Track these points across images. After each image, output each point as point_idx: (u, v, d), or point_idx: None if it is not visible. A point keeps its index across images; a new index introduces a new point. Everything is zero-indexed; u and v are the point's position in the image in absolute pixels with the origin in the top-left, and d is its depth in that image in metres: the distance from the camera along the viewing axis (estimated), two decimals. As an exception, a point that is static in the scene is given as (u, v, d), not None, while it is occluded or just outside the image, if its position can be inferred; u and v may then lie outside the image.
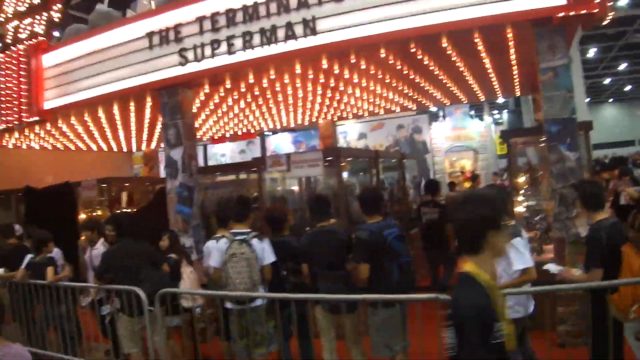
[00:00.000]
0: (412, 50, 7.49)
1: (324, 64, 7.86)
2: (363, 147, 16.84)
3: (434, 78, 9.64)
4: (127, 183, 12.16)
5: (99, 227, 7.27)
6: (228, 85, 8.81)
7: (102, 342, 6.97)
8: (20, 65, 9.87)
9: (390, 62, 7.96)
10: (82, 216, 11.11)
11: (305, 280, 5.58)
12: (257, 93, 9.73)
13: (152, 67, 8.47)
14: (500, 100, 13.81)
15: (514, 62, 8.57)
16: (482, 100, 13.22)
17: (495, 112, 18.14)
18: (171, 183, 8.57)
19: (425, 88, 10.55)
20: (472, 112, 17.17)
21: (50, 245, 7.07)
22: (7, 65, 10.09)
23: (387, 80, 9.55)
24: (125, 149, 15.19)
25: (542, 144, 7.70)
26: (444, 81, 10.02)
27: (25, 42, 9.94)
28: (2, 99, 10.21)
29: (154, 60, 8.45)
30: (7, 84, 10.07)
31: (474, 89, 11.21)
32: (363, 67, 8.24)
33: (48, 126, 10.85)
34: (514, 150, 8.72)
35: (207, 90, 9.07)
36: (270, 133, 17.98)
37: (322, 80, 9.18)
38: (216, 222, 6.33)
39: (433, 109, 15.03)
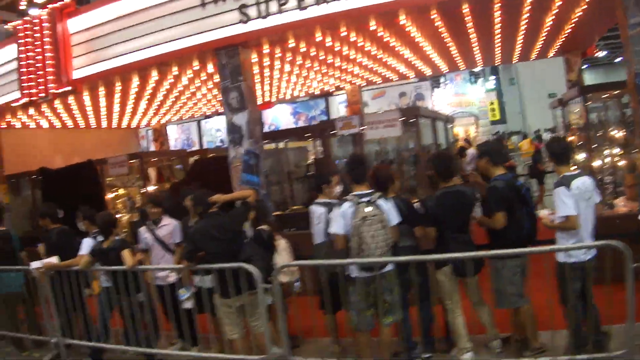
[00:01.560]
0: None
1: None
2: None
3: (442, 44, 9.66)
4: (155, 158, 11.32)
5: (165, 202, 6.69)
6: (292, 44, 8.30)
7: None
8: (44, 32, 8.97)
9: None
10: (110, 195, 10.37)
11: (419, 243, 5.37)
12: (312, 54, 9.29)
13: (206, 26, 7.92)
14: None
15: (573, 21, 8.59)
16: (479, 66, 13.36)
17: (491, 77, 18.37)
18: (235, 151, 8.02)
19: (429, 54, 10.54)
20: (472, 78, 17.23)
21: (119, 228, 6.36)
22: (26, 32, 9.15)
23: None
24: (133, 125, 14.44)
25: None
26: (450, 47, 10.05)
27: (47, 6, 9.01)
28: (22, 70, 9.25)
29: (208, 19, 7.90)
30: (28, 53, 9.13)
31: (476, 55, 11.29)
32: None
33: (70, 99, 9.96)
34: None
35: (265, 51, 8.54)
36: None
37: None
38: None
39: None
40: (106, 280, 6.24)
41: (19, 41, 9.25)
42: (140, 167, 10.08)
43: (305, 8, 7.37)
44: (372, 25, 7.72)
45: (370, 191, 4.95)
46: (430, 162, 5.58)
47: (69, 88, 8.87)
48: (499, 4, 7.61)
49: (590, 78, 24.81)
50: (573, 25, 9.04)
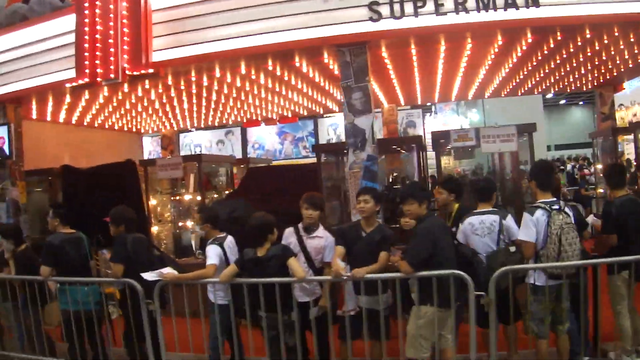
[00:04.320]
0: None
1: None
2: None
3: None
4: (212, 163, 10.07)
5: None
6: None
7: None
8: (122, 4, 7.72)
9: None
10: (153, 201, 9.05)
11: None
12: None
13: (329, 19, 7.25)
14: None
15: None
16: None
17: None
18: (356, 155, 7.41)
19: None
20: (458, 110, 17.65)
21: (275, 233, 5.41)
22: (95, 3, 7.83)
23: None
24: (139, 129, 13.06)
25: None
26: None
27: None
28: (84, 45, 7.86)
29: (332, 12, 7.24)
30: (96, 27, 7.79)
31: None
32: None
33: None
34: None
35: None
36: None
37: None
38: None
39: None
40: (224, 297, 5.45)
41: (85, 12, 7.85)
42: (198, 171, 8.89)
43: (444, 14, 7.04)
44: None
45: (555, 199, 5.06)
46: (605, 174, 6.04)
47: (151, 71, 7.65)
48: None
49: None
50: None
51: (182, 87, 8.97)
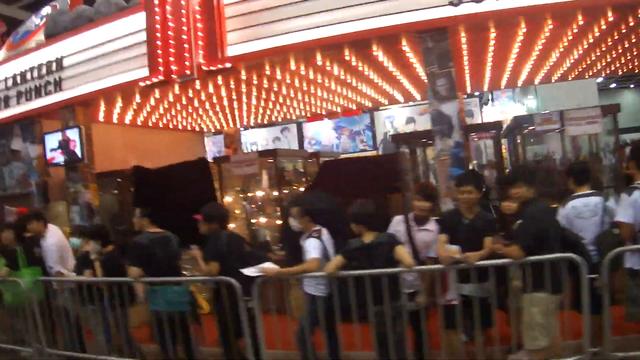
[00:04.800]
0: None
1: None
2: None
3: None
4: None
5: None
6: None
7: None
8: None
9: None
10: (228, 199, 8.90)
11: None
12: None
13: (408, 5, 6.91)
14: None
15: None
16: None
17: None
18: (443, 143, 7.11)
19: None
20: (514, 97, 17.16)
21: None
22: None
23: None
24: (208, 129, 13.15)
25: None
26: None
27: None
28: (156, 42, 7.73)
29: None
30: (168, 23, 7.65)
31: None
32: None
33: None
34: None
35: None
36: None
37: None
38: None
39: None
40: (320, 289, 5.25)
41: (155, 9, 7.72)
42: (274, 167, 8.70)
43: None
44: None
45: None
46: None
47: (228, 65, 7.47)
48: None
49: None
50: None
51: (255, 82, 8.76)
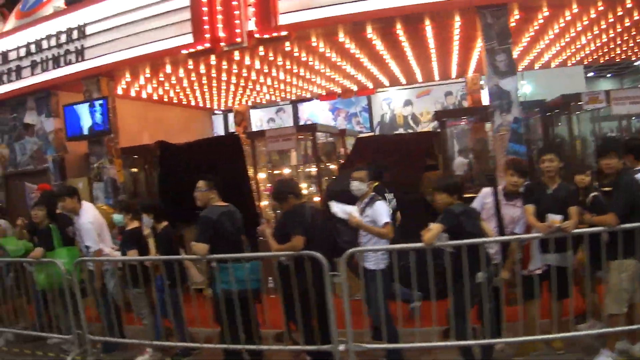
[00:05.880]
0: None
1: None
2: (409, 115, 16.38)
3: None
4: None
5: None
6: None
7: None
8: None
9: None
10: (262, 175, 8.63)
11: None
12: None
13: None
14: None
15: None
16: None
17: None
18: (502, 118, 7.13)
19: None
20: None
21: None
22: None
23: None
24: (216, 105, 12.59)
25: None
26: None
27: None
28: (203, 8, 7.37)
29: None
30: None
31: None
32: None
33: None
34: None
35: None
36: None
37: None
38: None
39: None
40: (382, 262, 5.12)
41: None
42: (312, 142, 8.49)
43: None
44: None
45: None
46: None
47: (284, 33, 7.19)
48: None
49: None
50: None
51: (296, 54, 8.49)
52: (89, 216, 6.31)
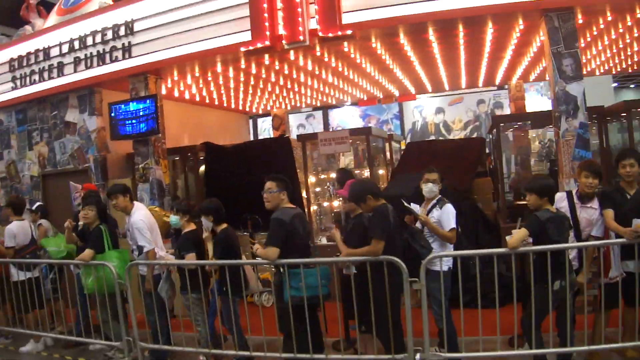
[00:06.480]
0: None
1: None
2: (440, 122, 16.26)
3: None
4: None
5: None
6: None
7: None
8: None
9: None
10: (312, 178, 8.43)
11: None
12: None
13: None
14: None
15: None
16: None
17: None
18: (568, 123, 6.96)
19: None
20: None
21: None
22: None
23: None
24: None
25: None
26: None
27: None
28: (263, 5, 7.19)
29: None
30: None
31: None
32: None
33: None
34: None
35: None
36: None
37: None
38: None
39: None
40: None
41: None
42: (367, 146, 8.28)
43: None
44: None
45: None
46: None
47: (349, 32, 7.01)
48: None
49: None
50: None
51: (352, 55, 8.31)
52: (141, 214, 6.13)
